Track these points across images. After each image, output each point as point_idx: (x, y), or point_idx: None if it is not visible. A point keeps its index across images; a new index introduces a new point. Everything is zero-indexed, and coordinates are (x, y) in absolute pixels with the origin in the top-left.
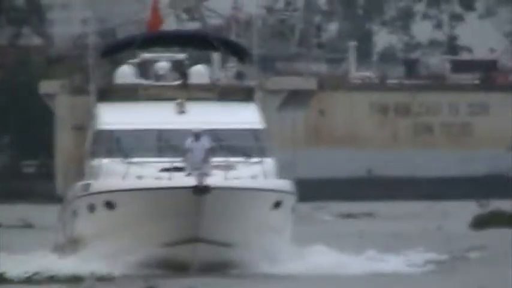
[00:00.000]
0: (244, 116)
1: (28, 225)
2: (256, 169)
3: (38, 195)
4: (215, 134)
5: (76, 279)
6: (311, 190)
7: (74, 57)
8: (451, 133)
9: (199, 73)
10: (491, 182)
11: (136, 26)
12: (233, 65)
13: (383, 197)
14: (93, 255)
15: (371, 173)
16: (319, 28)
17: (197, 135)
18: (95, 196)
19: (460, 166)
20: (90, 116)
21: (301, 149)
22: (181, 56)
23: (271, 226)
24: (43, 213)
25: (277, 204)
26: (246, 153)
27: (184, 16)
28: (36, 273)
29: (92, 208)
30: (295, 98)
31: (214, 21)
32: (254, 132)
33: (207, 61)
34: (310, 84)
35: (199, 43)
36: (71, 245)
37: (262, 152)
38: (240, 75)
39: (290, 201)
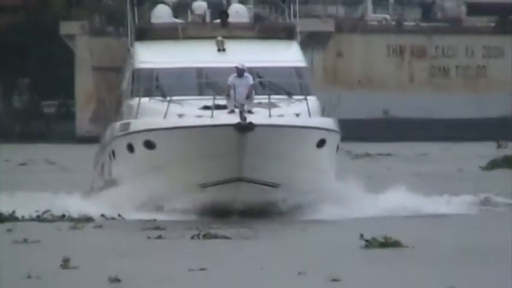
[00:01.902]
0: (286, 54)
1: (51, 164)
2: (300, 107)
3: (58, 135)
4: (257, 72)
5: (87, 219)
6: None
7: None
8: (467, 76)
9: (238, 12)
10: (505, 124)
11: None
12: (251, 6)
13: (400, 138)
14: (130, 196)
15: (387, 114)
16: None
17: (240, 70)
18: (134, 135)
19: (475, 108)
20: (127, 55)
21: (319, 90)
22: None
23: (316, 165)
24: (64, 153)
25: (322, 143)
26: (289, 91)
27: None
28: (47, 211)
29: (131, 148)
30: (313, 39)
31: None
32: (297, 70)
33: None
34: (328, 26)
35: None
36: (109, 187)
37: (305, 90)
38: (257, 17)
39: (334, 139)
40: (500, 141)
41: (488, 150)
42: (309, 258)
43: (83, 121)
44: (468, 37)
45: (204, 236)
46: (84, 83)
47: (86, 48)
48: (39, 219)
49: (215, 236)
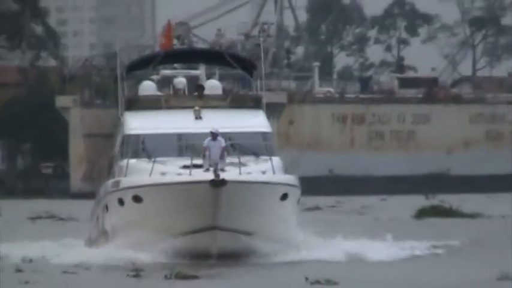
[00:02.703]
0: (253, 121)
1: (51, 216)
2: (265, 166)
3: (55, 192)
4: (228, 137)
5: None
6: None
7: (84, 76)
8: (399, 139)
9: (213, 86)
10: (432, 180)
11: (137, 49)
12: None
13: (343, 193)
14: (122, 244)
15: (332, 172)
16: (288, 51)
17: (214, 135)
18: (124, 191)
19: (406, 166)
20: (118, 123)
21: None
22: (196, 72)
23: (280, 216)
24: (61, 207)
25: (285, 196)
26: (256, 152)
27: (175, 42)
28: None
29: (121, 202)
30: (269, 109)
31: (201, 46)
32: (263, 135)
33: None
34: (281, 98)
35: (215, 59)
36: (103, 236)
37: (270, 152)
38: (223, 91)
39: (296, 193)
40: (428, 194)
41: (418, 201)
42: None
43: (76, 180)
44: (400, 106)
45: (176, 276)
46: (77, 147)
47: (78, 118)
48: (35, 263)
49: (185, 276)
